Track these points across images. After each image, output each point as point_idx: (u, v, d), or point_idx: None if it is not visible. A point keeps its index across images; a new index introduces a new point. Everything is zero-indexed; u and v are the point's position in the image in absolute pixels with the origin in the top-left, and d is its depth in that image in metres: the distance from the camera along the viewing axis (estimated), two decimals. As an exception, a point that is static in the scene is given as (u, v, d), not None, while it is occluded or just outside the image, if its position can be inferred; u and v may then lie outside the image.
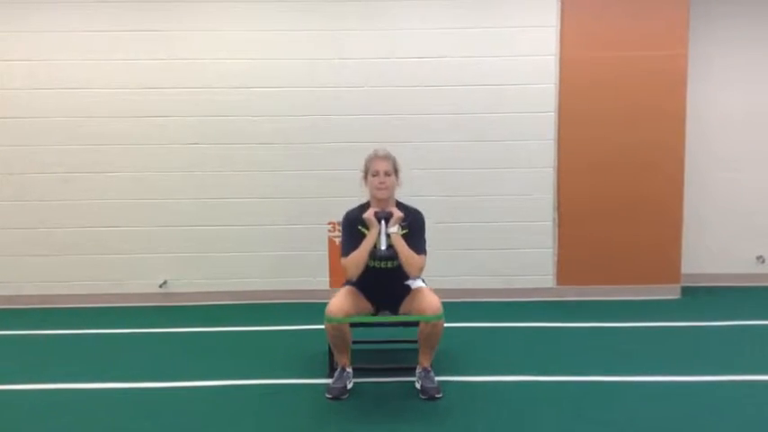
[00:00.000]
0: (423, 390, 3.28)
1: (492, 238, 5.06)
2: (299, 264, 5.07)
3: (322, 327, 3.32)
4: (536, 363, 3.73)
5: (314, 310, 4.39)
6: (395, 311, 3.43)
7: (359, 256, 3.28)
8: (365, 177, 3.42)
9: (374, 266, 3.36)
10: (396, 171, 3.39)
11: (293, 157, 4.99)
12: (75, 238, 5.03)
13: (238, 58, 4.92)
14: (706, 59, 5.20)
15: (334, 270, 4.97)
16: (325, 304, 3.28)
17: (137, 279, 5.08)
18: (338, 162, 4.90)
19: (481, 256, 5.08)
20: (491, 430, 2.94)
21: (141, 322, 4.63)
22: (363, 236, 3.31)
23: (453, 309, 4.69)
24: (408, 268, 3.29)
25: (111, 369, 3.73)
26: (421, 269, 3.32)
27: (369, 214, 3.30)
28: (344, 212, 3.46)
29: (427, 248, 3.39)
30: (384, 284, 3.41)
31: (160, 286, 5.07)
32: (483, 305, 4.95)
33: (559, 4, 4.87)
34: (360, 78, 4.93)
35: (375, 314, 3.46)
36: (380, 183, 3.33)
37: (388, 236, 3.26)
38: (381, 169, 3.34)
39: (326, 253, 5.03)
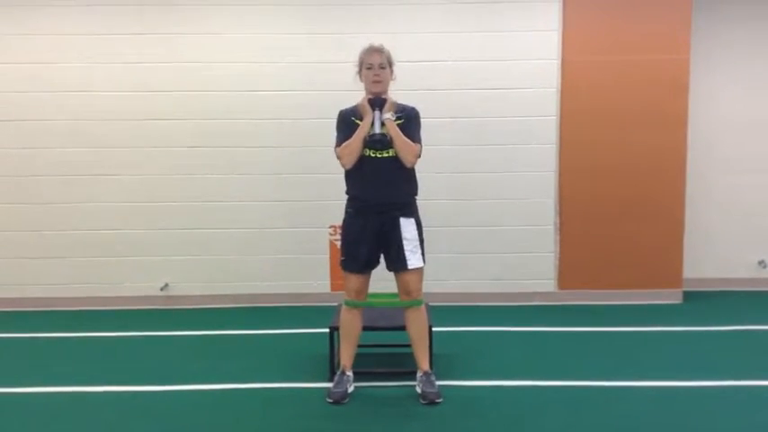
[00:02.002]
0: (423, 394, 3.27)
1: (493, 242, 5.05)
2: (300, 267, 5.07)
3: (323, 330, 3.32)
4: (537, 367, 3.72)
5: (315, 313, 4.41)
6: (387, 262, 3.35)
7: (354, 143, 3.25)
8: (359, 71, 3.39)
9: (369, 156, 3.28)
10: (390, 64, 3.37)
11: (294, 161, 4.99)
12: (76, 241, 5.04)
13: (239, 60, 4.92)
14: (708, 63, 5.20)
15: (336, 273, 4.96)
16: (326, 307, 3.29)
17: (138, 282, 5.08)
18: (339, 166, 4.88)
19: (482, 259, 5.07)
20: (492, 435, 2.94)
21: (142, 325, 4.62)
22: (357, 126, 3.29)
23: (454, 313, 4.71)
24: (403, 154, 3.25)
25: (112, 372, 3.73)
26: (416, 156, 3.29)
27: (363, 101, 3.30)
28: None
29: (422, 142, 3.34)
30: (380, 178, 3.28)
31: (161, 289, 5.07)
32: (484, 309, 4.94)
33: (561, 7, 4.87)
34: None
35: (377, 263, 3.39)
36: (375, 76, 3.30)
37: (382, 123, 3.24)
38: (376, 62, 3.31)
39: (327, 256, 5.03)
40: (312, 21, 4.91)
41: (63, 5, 4.86)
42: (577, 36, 4.89)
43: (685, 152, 4.97)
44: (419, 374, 3.35)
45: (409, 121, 3.34)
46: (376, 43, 3.39)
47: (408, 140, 3.26)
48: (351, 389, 3.35)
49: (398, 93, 4.89)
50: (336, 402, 3.25)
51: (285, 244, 5.06)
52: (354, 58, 4.85)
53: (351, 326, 3.37)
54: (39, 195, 5.00)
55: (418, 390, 3.32)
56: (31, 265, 5.06)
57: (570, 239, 5.05)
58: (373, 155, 3.28)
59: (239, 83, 4.93)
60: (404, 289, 3.34)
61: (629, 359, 3.85)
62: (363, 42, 4.83)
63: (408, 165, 3.30)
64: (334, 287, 5.00)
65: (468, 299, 5.03)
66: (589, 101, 4.93)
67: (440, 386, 3.32)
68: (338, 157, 3.33)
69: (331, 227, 4.97)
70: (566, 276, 5.08)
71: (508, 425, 3.02)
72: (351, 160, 3.28)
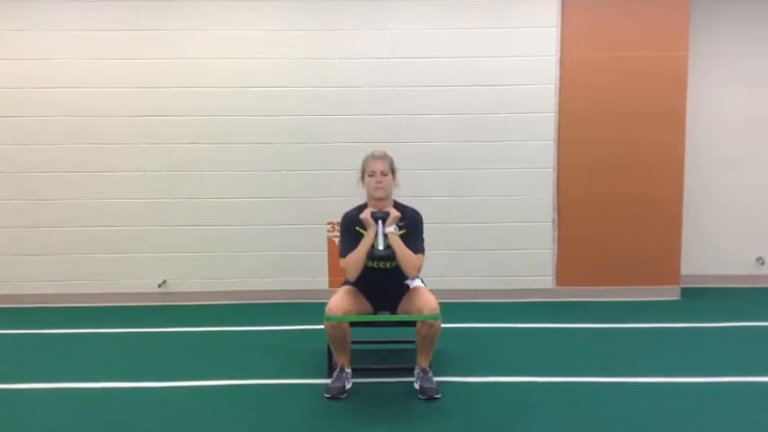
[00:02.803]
0: (421, 390, 3.27)
1: (491, 239, 5.06)
2: (298, 264, 5.06)
3: (321, 327, 3.32)
4: (535, 364, 3.72)
5: (313, 310, 4.40)
6: (393, 311, 3.43)
7: (357, 257, 3.28)
8: (362, 178, 3.42)
9: (372, 267, 3.36)
10: (392, 171, 3.39)
11: (292, 157, 4.99)
12: (73, 238, 5.03)
13: (237, 57, 4.91)
14: (707, 60, 5.20)
15: (334, 270, 4.97)
16: (324, 304, 3.28)
17: (136, 279, 5.08)
18: (337, 162, 4.90)
19: (480, 256, 5.07)
20: (490, 431, 2.93)
21: (140, 322, 4.62)
22: (361, 236, 3.31)
23: (452, 309, 4.70)
24: (406, 268, 3.29)
25: (109, 369, 3.72)
26: (418, 269, 3.33)
27: (365, 214, 3.30)
28: (343, 213, 3.46)
29: (425, 248, 3.39)
30: (383, 285, 3.41)
31: (159, 286, 5.07)
32: (482, 306, 4.94)
33: (560, 4, 4.87)
34: (359, 78, 4.93)
35: (374, 314, 3.46)
36: (377, 183, 3.33)
37: (385, 236, 3.26)
38: (378, 169, 3.34)
39: (326, 253, 5.03)
40: (310, 17, 4.90)
41: (60, 1, 4.85)
42: (576, 33, 4.89)
43: (683, 149, 4.97)
44: (417, 370, 3.36)
45: (412, 229, 3.37)
46: (378, 150, 3.43)
47: (411, 254, 3.28)
48: (349, 385, 3.36)
49: (397, 89, 4.93)
50: (334, 398, 3.25)
51: (283, 240, 5.06)
52: (353, 54, 4.91)
53: (338, 337, 3.29)
54: (36, 192, 5.00)
55: (416, 386, 3.32)
56: (29, 262, 5.06)
57: (568, 236, 5.05)
58: (376, 266, 3.36)
59: (236, 79, 4.92)
60: (416, 306, 3.25)
61: (627, 356, 3.86)
62: (363, 39, 4.90)
63: (410, 277, 3.36)
64: (332, 284, 5.00)
65: (465, 295, 5.03)
66: (587, 98, 4.93)
67: (438, 382, 3.32)
68: (342, 269, 3.37)
69: (329, 223, 4.97)
70: (564, 273, 5.08)
71: (506, 421, 3.03)
72: (354, 274, 3.33)
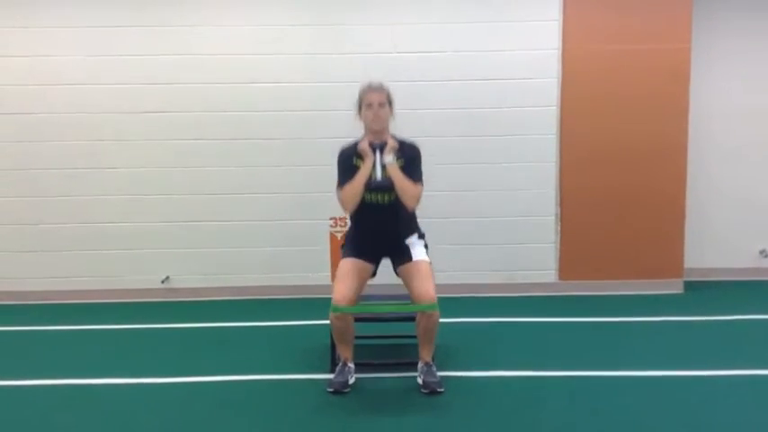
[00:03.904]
0: (424, 384, 3.27)
1: (494, 233, 5.05)
2: (300, 259, 5.06)
3: (324, 322, 3.32)
4: (538, 358, 3.72)
5: (316, 305, 4.41)
6: (394, 261, 3.37)
7: (355, 187, 3.23)
8: (359, 111, 3.37)
9: (370, 201, 3.29)
10: (390, 103, 3.34)
11: (294, 152, 4.98)
12: (76, 234, 5.03)
13: (239, 52, 4.91)
14: (709, 52, 5.17)
15: (336, 265, 4.95)
16: (327, 299, 3.27)
17: (138, 275, 5.08)
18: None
19: (483, 250, 5.07)
20: (493, 425, 2.94)
21: (143, 318, 4.62)
22: (358, 168, 3.27)
23: (455, 303, 4.71)
24: (405, 196, 3.23)
25: (112, 365, 3.73)
26: (417, 199, 3.28)
27: (363, 144, 3.27)
28: (340, 149, 3.41)
29: (424, 180, 3.32)
30: (381, 222, 3.31)
31: (162, 282, 5.08)
32: (485, 300, 4.94)
33: (562, -3, 4.86)
34: (361, 72, 4.90)
35: (375, 272, 3.41)
36: (375, 114, 3.28)
37: (383, 166, 3.22)
38: (375, 101, 3.29)
39: (328, 248, 5.01)
40: (313, 12, 4.89)
41: (62, -2, 4.86)
42: (578, 26, 4.87)
43: (686, 142, 4.95)
44: (420, 364, 3.35)
45: (410, 161, 3.31)
46: (375, 81, 3.37)
47: (410, 184, 3.24)
48: (352, 380, 3.35)
49: (399, 84, 4.90)
50: (337, 392, 3.25)
51: (286, 236, 5.06)
52: (355, 49, 4.90)
53: (343, 329, 3.29)
54: (38, 188, 5.00)
55: (419, 380, 3.32)
56: (31, 259, 5.06)
57: (571, 230, 5.04)
58: (374, 199, 3.29)
59: (238, 75, 4.91)
60: (414, 293, 3.24)
61: (630, 349, 3.85)
62: (364, 34, 4.88)
63: (410, 208, 3.30)
64: (334, 279, 4.99)
65: (468, 290, 5.03)
66: (590, 91, 4.91)
67: (441, 376, 3.32)
68: (339, 201, 3.33)
69: (331, 218, 4.94)
70: (567, 267, 5.07)
71: (509, 415, 3.03)
72: (352, 205, 3.28)
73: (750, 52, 5.22)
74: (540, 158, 4.99)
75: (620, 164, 4.97)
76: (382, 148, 3.25)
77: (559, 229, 5.06)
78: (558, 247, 5.07)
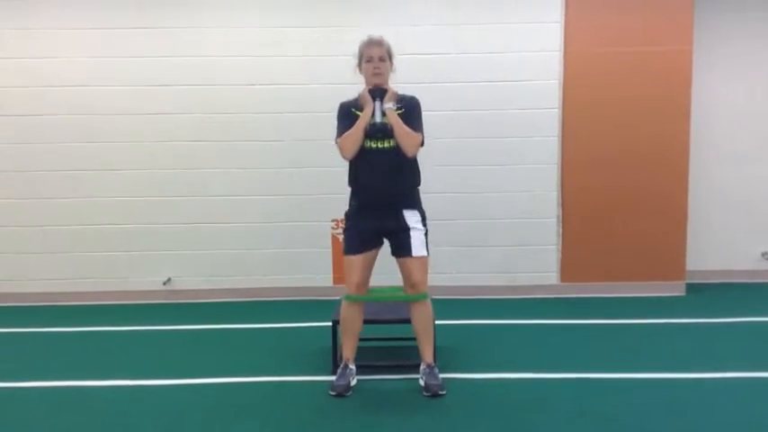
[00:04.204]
0: (426, 387, 3.27)
1: (495, 235, 5.05)
2: (302, 261, 5.07)
3: (325, 324, 3.32)
4: (540, 360, 3.72)
5: (318, 307, 4.41)
6: (394, 245, 3.35)
7: (354, 133, 3.24)
8: (359, 65, 3.37)
9: (370, 147, 3.27)
10: (390, 56, 3.35)
11: (296, 154, 4.99)
12: (78, 236, 5.04)
13: (241, 54, 4.91)
14: (711, 54, 5.17)
15: (338, 267, 4.96)
16: (329, 301, 3.28)
17: (140, 276, 5.09)
18: (342, 159, 4.87)
19: (484, 252, 5.07)
20: (494, 427, 2.93)
21: (145, 319, 4.63)
22: (358, 118, 3.28)
23: (457, 306, 4.71)
24: (404, 142, 3.23)
25: (115, 366, 3.73)
26: (417, 146, 3.28)
27: (363, 91, 3.29)
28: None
29: (425, 133, 3.32)
30: (381, 171, 3.28)
31: (164, 283, 5.08)
32: (486, 302, 4.94)
33: (563, -1, 4.86)
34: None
35: (381, 243, 3.39)
36: (375, 68, 3.28)
37: (383, 113, 3.23)
38: (375, 55, 3.29)
39: (330, 250, 5.02)
40: (313, 13, 4.89)
41: (65, 0, 4.85)
42: (580, 28, 4.87)
43: (688, 144, 4.95)
44: (422, 367, 3.35)
45: (410, 111, 3.32)
46: (375, 35, 3.37)
47: (409, 130, 3.24)
48: (354, 382, 3.36)
49: (400, 86, 4.90)
50: (339, 395, 3.26)
51: (288, 238, 5.06)
52: (355, 50, 4.89)
53: (351, 321, 3.35)
54: (41, 190, 5.00)
55: (421, 382, 3.32)
56: (34, 261, 5.07)
57: (573, 232, 5.04)
58: (374, 145, 3.27)
59: (240, 77, 4.92)
60: (408, 281, 3.32)
61: (632, 351, 3.85)
62: (365, 35, 4.87)
63: (410, 155, 3.28)
64: (336, 281, 5.00)
65: (470, 292, 5.03)
66: (592, 93, 4.91)
67: (443, 379, 3.32)
68: (339, 148, 3.32)
69: (333, 220, 4.97)
70: (568, 269, 5.07)
71: (511, 417, 3.02)
72: (352, 151, 3.27)
73: (752, 54, 5.22)
74: (542, 160, 4.99)
75: (622, 166, 4.97)
76: (382, 96, 3.26)
77: (561, 230, 5.06)
78: (560, 248, 5.07)
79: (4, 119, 4.95)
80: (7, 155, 4.98)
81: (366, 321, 3.45)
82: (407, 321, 3.43)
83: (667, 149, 4.94)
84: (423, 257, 3.32)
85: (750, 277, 5.35)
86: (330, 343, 3.55)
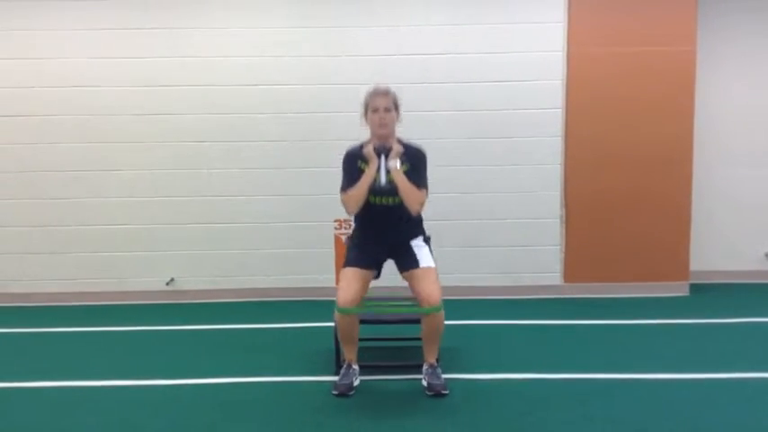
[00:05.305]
0: (429, 386, 3.27)
1: (499, 236, 5.05)
2: (305, 261, 5.07)
3: (329, 324, 3.32)
4: (543, 360, 3.71)
5: (321, 307, 4.41)
6: (400, 264, 3.36)
7: (359, 190, 3.23)
8: (365, 114, 3.36)
9: (375, 203, 3.28)
10: (396, 107, 3.34)
11: (299, 155, 4.99)
12: (82, 236, 5.05)
13: (244, 55, 4.92)
14: (715, 55, 5.16)
15: (340, 267, 4.95)
16: (331, 302, 3.28)
17: (144, 277, 5.10)
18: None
19: (488, 253, 5.06)
20: (498, 428, 2.93)
21: (148, 320, 4.64)
22: (363, 172, 3.26)
23: (460, 306, 4.71)
24: (409, 202, 3.23)
25: (118, 367, 3.74)
26: (422, 204, 3.27)
27: (368, 149, 3.27)
28: (345, 151, 3.41)
29: (428, 185, 3.33)
30: (386, 224, 3.32)
31: (167, 284, 5.09)
32: (490, 302, 4.94)
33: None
34: (366, 75, 4.91)
35: (378, 274, 3.41)
36: (381, 119, 3.27)
37: (387, 171, 3.22)
38: (381, 105, 3.28)
39: (333, 250, 5.01)
40: (315, 13, 4.90)
41: (68, 1, 4.86)
42: (583, 28, 4.87)
43: (692, 144, 4.94)
44: (425, 367, 3.35)
45: (415, 166, 3.31)
46: (381, 86, 3.37)
47: (414, 188, 3.23)
48: (357, 382, 3.35)
49: (404, 86, 4.90)
50: (342, 395, 3.25)
51: (290, 238, 5.07)
52: (360, 51, 4.90)
53: (348, 330, 3.29)
54: (44, 191, 5.01)
55: (424, 382, 3.31)
56: (37, 261, 5.08)
57: (576, 232, 5.04)
58: (378, 201, 3.29)
59: (243, 77, 4.93)
60: (421, 294, 3.22)
61: (636, 352, 3.84)
62: (369, 36, 4.89)
63: (414, 213, 3.29)
64: (339, 281, 4.99)
65: (473, 292, 5.03)
66: (595, 93, 4.90)
67: (445, 379, 3.32)
68: (343, 204, 3.32)
69: (336, 220, 4.95)
70: (571, 269, 5.07)
71: (514, 417, 3.02)
72: (356, 208, 3.29)
73: (755, 54, 5.21)
74: (545, 161, 4.98)
75: (626, 166, 4.96)
76: (387, 152, 3.25)
77: (564, 231, 5.05)
78: (563, 249, 5.06)
79: (5, 119, 4.97)
80: (10, 155, 4.99)
81: (369, 322, 3.45)
82: (409, 322, 3.43)
83: (671, 150, 4.94)
84: (431, 268, 3.31)
85: (754, 278, 5.33)
86: (333, 343, 3.55)
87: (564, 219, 5.04)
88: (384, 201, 3.29)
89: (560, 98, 4.92)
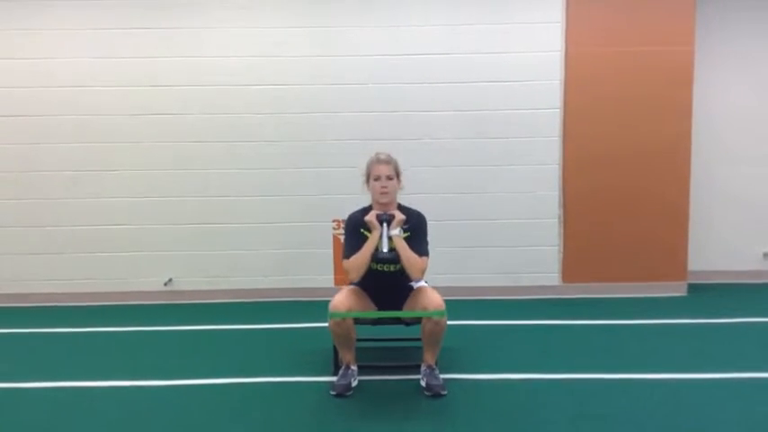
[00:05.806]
0: (428, 387, 3.27)
1: (497, 236, 5.05)
2: (303, 262, 5.07)
3: (327, 324, 3.31)
4: (541, 360, 3.71)
5: (318, 307, 4.39)
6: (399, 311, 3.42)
7: (361, 259, 3.27)
8: (367, 181, 3.40)
9: (376, 269, 3.35)
10: (397, 174, 3.38)
11: (298, 155, 4.99)
12: (80, 237, 5.05)
13: (243, 55, 4.92)
14: (713, 54, 5.17)
15: (339, 268, 4.94)
16: (329, 302, 3.27)
17: (142, 277, 5.09)
18: (343, 159, 4.89)
19: (486, 253, 5.07)
20: (496, 428, 2.93)
21: (146, 320, 4.63)
22: (365, 238, 3.30)
23: (458, 306, 4.69)
24: (410, 270, 3.27)
25: (116, 367, 3.73)
26: (423, 271, 3.31)
27: (370, 217, 3.29)
28: (348, 215, 3.45)
29: (429, 250, 3.38)
30: (387, 287, 3.40)
31: (165, 284, 5.08)
32: (488, 303, 4.94)
33: (564, -1, 4.86)
34: (364, 75, 4.93)
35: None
36: (382, 187, 3.32)
37: (389, 238, 3.25)
38: (383, 173, 3.32)
39: (331, 251, 5.01)
40: (314, 14, 4.90)
41: (67, 2, 4.86)
42: (581, 28, 4.87)
43: (690, 144, 4.95)
44: (423, 367, 3.35)
45: (416, 232, 3.35)
46: (383, 153, 3.39)
47: (415, 256, 3.26)
48: (355, 382, 3.35)
49: (402, 86, 4.92)
50: (340, 395, 3.26)
51: (289, 238, 5.06)
52: (358, 51, 4.90)
53: (343, 335, 3.30)
54: (42, 191, 5.01)
55: (422, 383, 3.31)
56: (36, 261, 5.07)
57: (574, 232, 5.04)
58: (380, 269, 3.34)
59: (242, 78, 4.93)
60: (422, 303, 3.25)
61: (634, 352, 3.84)
62: (367, 36, 4.89)
63: (414, 279, 3.33)
64: (337, 281, 4.99)
65: (471, 292, 5.03)
66: (593, 93, 4.91)
67: (444, 379, 3.32)
68: (345, 270, 3.35)
69: (334, 221, 4.95)
70: (570, 269, 5.07)
71: (512, 417, 3.02)
72: (357, 275, 3.32)
73: (753, 54, 5.22)
74: (543, 160, 4.99)
75: (624, 166, 4.96)
76: (389, 219, 3.28)
77: (562, 231, 5.05)
78: (562, 249, 5.06)
79: (6, 119, 4.96)
80: (8, 155, 4.99)
81: (369, 321, 3.44)
82: (406, 323, 3.43)
83: (669, 149, 4.94)
84: (426, 285, 3.38)
85: (752, 277, 5.34)
86: (331, 344, 3.54)
87: (562, 219, 5.04)
88: (386, 268, 3.34)
89: (558, 98, 4.93)
